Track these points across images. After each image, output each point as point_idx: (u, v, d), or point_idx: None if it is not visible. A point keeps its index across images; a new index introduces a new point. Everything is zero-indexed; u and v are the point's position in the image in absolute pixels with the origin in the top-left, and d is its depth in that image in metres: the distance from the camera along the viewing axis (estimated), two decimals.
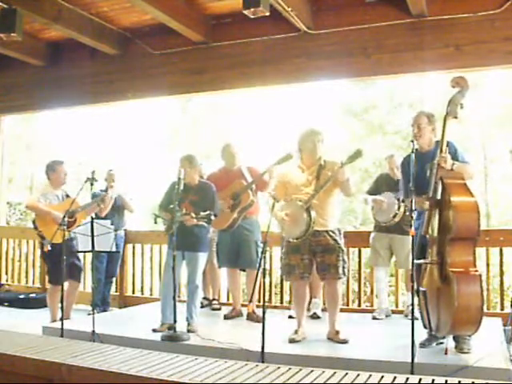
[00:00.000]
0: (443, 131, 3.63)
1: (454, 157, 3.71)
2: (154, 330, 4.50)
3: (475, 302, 3.30)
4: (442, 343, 3.80)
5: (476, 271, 3.37)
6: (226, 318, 5.25)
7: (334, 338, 4.14)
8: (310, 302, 5.08)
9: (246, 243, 5.18)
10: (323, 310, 5.37)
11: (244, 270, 5.35)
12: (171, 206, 4.40)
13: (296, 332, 4.23)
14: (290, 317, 5.18)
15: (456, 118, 3.64)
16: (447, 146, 3.67)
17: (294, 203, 4.23)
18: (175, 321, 4.27)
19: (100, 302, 6.09)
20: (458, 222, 3.41)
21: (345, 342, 4.08)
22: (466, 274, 3.35)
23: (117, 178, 6.09)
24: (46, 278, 5.92)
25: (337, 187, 4.25)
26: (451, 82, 3.68)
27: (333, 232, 4.25)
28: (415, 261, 3.48)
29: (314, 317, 5.16)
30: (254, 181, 5.15)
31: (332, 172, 4.14)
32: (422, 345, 3.75)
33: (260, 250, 4.69)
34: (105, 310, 6.11)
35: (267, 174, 5.10)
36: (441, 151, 3.60)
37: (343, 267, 4.21)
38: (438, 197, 3.59)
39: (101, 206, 5.42)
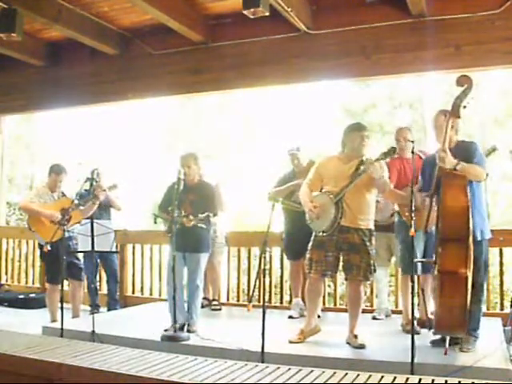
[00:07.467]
0: (445, 131, 3.61)
1: (470, 157, 3.65)
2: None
3: (459, 302, 3.29)
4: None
5: (465, 273, 3.32)
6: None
7: (351, 342, 4.01)
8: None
9: None
10: (323, 310, 5.37)
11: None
12: (170, 208, 4.39)
13: (302, 332, 4.16)
14: (290, 317, 5.19)
15: (459, 117, 3.64)
16: (472, 146, 3.72)
17: (325, 196, 4.09)
18: (175, 321, 4.27)
19: (112, 300, 6.08)
20: (446, 222, 3.42)
21: (362, 347, 3.92)
22: (451, 274, 3.33)
23: (102, 177, 6.09)
24: (45, 277, 5.92)
25: (372, 186, 4.08)
26: (456, 81, 3.68)
27: (362, 231, 4.06)
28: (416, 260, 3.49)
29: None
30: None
31: (365, 168, 3.95)
32: (433, 342, 3.77)
33: None
34: (115, 308, 6.10)
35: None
36: (443, 150, 3.59)
37: (366, 270, 4.03)
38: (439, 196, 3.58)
39: (96, 203, 5.39)
